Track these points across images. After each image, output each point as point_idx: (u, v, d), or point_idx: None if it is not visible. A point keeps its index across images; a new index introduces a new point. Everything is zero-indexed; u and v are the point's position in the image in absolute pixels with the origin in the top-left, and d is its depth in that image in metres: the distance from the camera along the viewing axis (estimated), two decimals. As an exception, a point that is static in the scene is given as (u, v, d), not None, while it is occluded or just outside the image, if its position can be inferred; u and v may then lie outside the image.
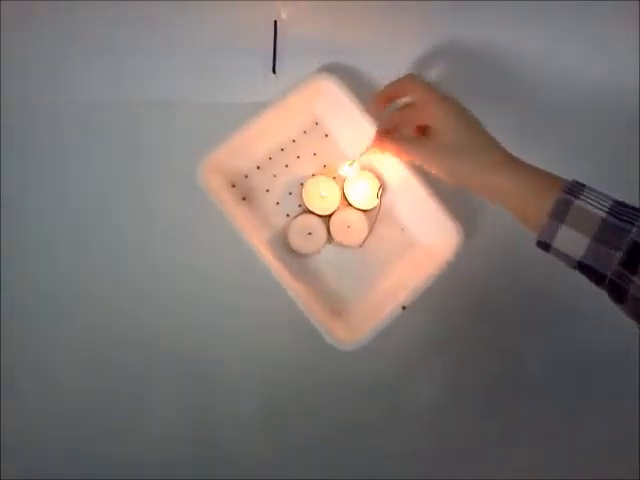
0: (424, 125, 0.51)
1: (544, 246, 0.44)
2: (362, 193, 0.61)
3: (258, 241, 0.55)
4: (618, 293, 0.41)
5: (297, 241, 0.59)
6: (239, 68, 0.63)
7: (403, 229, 0.62)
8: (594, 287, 0.43)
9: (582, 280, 0.43)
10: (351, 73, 0.63)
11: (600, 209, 0.40)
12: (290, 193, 0.61)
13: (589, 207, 0.41)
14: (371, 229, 0.60)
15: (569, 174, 0.44)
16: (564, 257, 0.43)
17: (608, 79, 0.67)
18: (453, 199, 0.57)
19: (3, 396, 0.55)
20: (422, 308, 0.56)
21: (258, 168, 0.61)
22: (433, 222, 0.59)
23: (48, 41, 0.61)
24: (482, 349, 0.62)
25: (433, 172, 0.49)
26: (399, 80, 0.52)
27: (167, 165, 0.60)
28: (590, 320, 0.61)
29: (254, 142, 0.59)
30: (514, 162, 0.46)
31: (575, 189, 0.42)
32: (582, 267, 0.42)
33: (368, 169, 0.62)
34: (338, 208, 0.60)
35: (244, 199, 0.60)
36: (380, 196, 0.60)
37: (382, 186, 0.60)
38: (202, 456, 0.57)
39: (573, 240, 0.41)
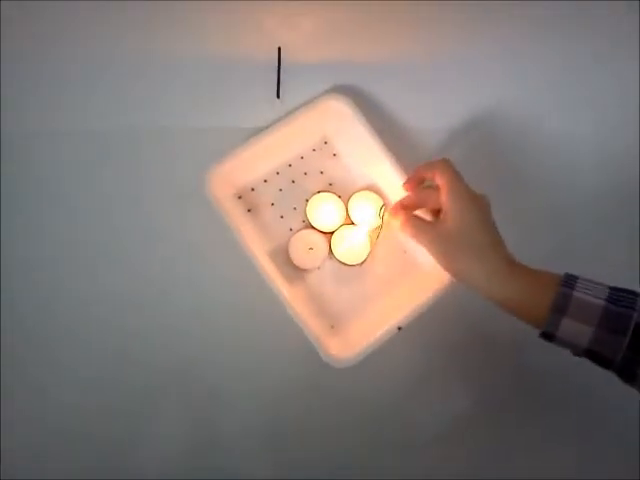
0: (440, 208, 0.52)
1: (548, 336, 0.44)
2: (366, 212, 0.61)
3: (259, 253, 0.56)
4: (627, 375, 0.42)
5: (298, 255, 0.59)
6: (243, 93, 0.64)
7: (405, 251, 0.63)
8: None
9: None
10: (360, 94, 0.65)
11: (598, 298, 0.42)
12: (295, 208, 0.62)
13: (588, 297, 0.42)
14: (373, 248, 0.61)
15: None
16: (569, 346, 0.44)
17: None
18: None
19: (3, 413, 0.56)
20: (419, 330, 0.56)
21: (265, 181, 0.62)
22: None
23: (48, 70, 0.62)
24: (480, 373, 0.62)
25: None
26: (432, 163, 0.52)
27: (173, 186, 0.61)
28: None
29: (262, 156, 0.60)
30: (510, 271, 0.47)
31: (570, 281, 0.43)
32: (589, 354, 0.43)
33: (373, 190, 0.62)
34: (341, 226, 0.61)
35: (249, 211, 0.61)
36: (383, 216, 0.60)
37: (386, 206, 0.61)
38: (204, 474, 0.57)
39: (577, 331, 0.42)
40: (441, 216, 0.51)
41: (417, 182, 0.55)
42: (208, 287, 0.60)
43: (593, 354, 0.43)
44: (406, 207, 0.54)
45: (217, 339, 0.59)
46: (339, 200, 0.62)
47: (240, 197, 0.61)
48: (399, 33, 0.67)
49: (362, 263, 0.61)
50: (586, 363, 0.44)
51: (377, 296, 0.61)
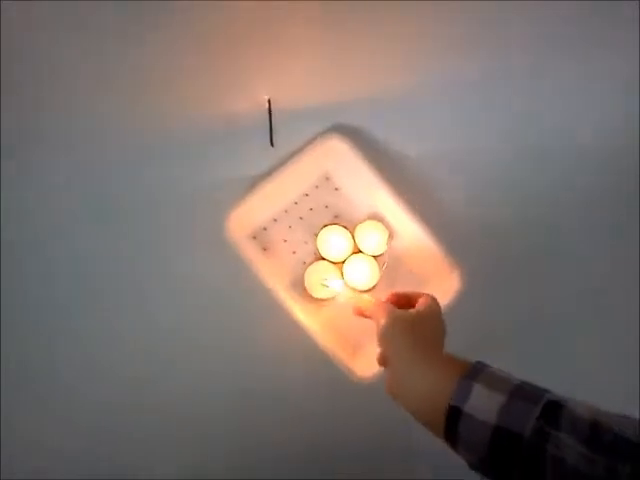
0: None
1: (454, 412, 0.38)
2: (372, 240, 0.66)
3: (280, 287, 0.60)
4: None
5: (314, 287, 0.63)
6: (240, 146, 0.68)
7: (411, 272, 0.67)
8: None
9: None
10: (356, 132, 0.70)
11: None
12: (306, 242, 0.66)
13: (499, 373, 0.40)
14: (382, 273, 0.65)
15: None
16: (476, 425, 0.37)
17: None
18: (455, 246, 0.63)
19: (3, 461, 0.59)
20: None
21: (275, 220, 0.67)
22: (435, 267, 0.64)
23: (59, 139, 0.67)
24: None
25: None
26: (422, 293, 0.52)
27: (187, 236, 0.66)
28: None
29: (270, 198, 0.65)
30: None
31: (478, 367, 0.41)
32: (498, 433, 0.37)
33: (377, 218, 0.67)
34: (351, 254, 0.65)
35: (265, 250, 0.65)
36: (389, 243, 0.65)
37: (391, 234, 0.66)
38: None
39: (487, 399, 0.38)
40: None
41: (397, 300, 0.54)
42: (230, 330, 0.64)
43: (501, 431, 0.36)
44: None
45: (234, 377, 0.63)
46: (346, 231, 0.66)
47: (255, 237, 0.66)
48: (386, 67, 0.72)
49: (373, 288, 0.65)
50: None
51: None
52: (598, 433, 0.33)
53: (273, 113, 0.68)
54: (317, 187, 0.69)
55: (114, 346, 0.63)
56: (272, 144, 0.68)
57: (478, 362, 0.41)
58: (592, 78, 0.72)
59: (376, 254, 0.66)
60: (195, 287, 0.64)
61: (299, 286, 0.64)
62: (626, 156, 0.73)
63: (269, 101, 0.67)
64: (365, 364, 0.60)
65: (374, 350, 0.62)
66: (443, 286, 0.63)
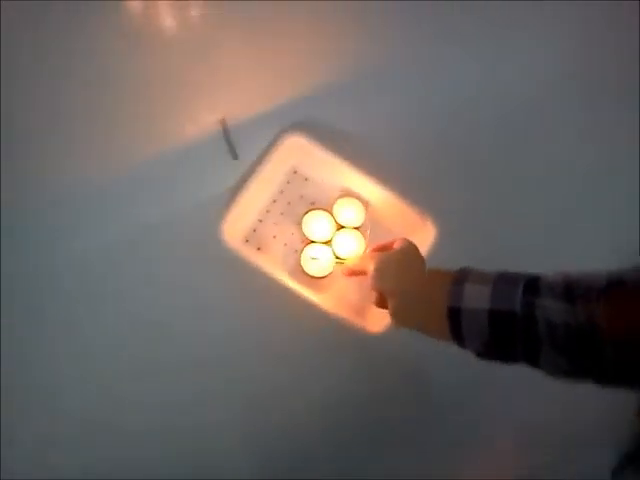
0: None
1: (454, 312, 0.45)
2: (350, 213, 0.73)
3: (281, 276, 0.67)
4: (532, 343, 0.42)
5: (311, 268, 0.71)
6: (207, 167, 0.74)
7: (390, 234, 0.75)
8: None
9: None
10: (310, 124, 0.77)
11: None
12: (292, 233, 0.74)
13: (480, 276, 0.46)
14: (367, 240, 0.73)
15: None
16: (474, 315, 0.44)
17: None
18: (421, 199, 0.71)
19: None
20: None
21: (260, 221, 0.74)
22: (409, 222, 0.72)
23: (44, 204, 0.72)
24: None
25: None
26: (395, 239, 0.59)
27: (183, 254, 0.71)
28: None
29: (250, 204, 0.72)
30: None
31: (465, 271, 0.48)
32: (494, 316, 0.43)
33: (350, 194, 0.75)
34: (335, 232, 0.73)
35: (259, 249, 0.72)
36: (365, 213, 0.72)
37: (367, 204, 0.73)
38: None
39: (478, 291, 0.45)
40: None
41: (383, 249, 0.61)
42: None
43: (496, 314, 0.43)
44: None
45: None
46: (325, 212, 0.74)
47: (247, 240, 0.72)
48: (320, 60, 0.80)
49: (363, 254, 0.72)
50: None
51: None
52: (572, 288, 0.40)
53: (229, 128, 0.74)
54: (289, 182, 0.76)
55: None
56: (236, 157, 0.74)
57: (462, 268, 0.48)
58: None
59: (357, 225, 0.73)
60: (213, 303, 0.71)
61: (298, 272, 0.71)
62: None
63: (223, 120, 0.74)
64: (374, 321, 0.68)
65: (376, 310, 0.71)
66: (421, 236, 0.71)
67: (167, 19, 0.78)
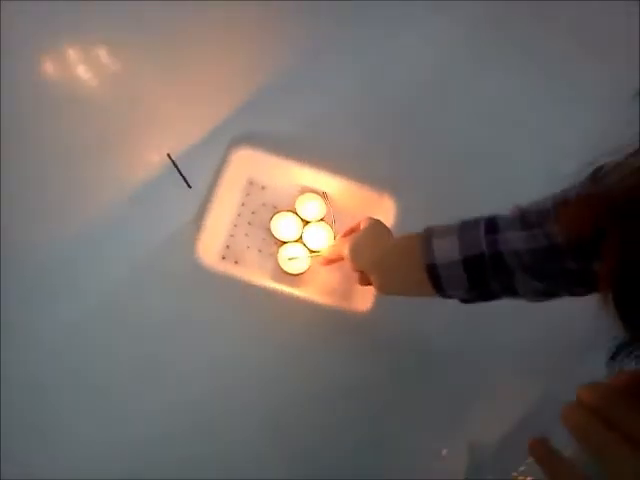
0: None
1: (431, 268, 0.49)
2: (312, 208, 0.78)
3: (264, 281, 0.71)
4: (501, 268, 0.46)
5: (289, 267, 0.74)
6: (164, 201, 0.76)
7: (354, 218, 0.79)
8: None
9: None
10: (251, 134, 0.80)
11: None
12: (263, 239, 0.77)
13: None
14: (334, 229, 0.77)
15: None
16: (450, 267, 0.48)
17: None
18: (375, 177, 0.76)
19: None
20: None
21: (232, 236, 0.77)
22: (368, 201, 0.77)
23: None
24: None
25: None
26: (360, 220, 0.65)
27: (167, 285, 0.73)
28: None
29: (217, 223, 0.75)
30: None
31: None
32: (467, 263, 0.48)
33: (308, 190, 0.79)
34: (303, 229, 0.77)
35: (236, 262, 0.75)
36: (326, 204, 0.76)
37: (325, 195, 0.77)
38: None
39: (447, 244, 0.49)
40: None
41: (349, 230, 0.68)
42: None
43: (469, 261, 0.47)
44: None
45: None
46: (289, 212, 0.77)
47: (224, 257, 0.75)
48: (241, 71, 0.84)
49: (334, 240, 0.77)
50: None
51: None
52: (526, 217, 0.46)
53: (176, 159, 0.76)
54: (248, 194, 0.80)
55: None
56: (189, 186, 0.77)
57: (426, 227, 0.53)
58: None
59: (321, 217, 0.78)
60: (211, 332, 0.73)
61: (279, 273, 0.75)
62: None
63: (169, 155, 0.76)
64: (361, 300, 0.72)
65: (359, 290, 0.75)
66: (383, 212, 0.75)
67: (84, 79, 0.80)
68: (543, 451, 0.28)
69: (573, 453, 0.35)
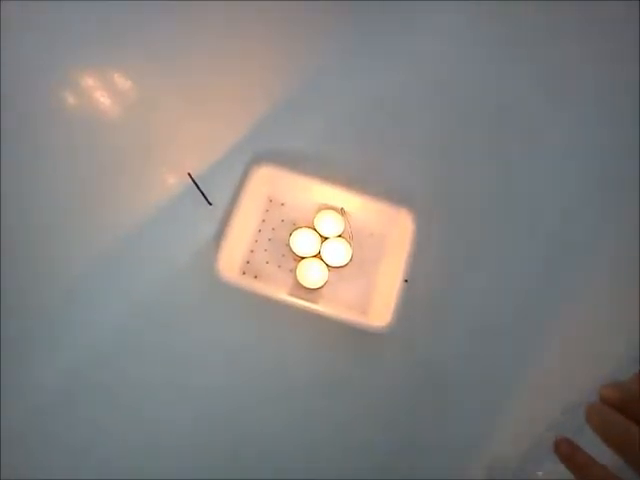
0: None
1: None
2: (331, 225, 0.79)
3: (284, 297, 0.72)
4: None
5: (308, 282, 0.76)
6: (187, 219, 0.79)
7: (372, 234, 0.81)
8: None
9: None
10: (270, 151, 0.82)
11: None
12: (283, 255, 0.79)
13: None
14: (352, 246, 0.78)
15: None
16: None
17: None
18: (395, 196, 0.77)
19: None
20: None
21: (252, 252, 0.79)
22: (385, 217, 0.78)
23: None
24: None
25: None
26: None
27: (190, 304, 0.76)
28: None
29: (238, 239, 0.77)
30: None
31: None
32: None
33: (325, 207, 0.80)
34: (321, 245, 0.78)
35: (256, 277, 0.77)
36: (345, 221, 0.78)
37: (343, 211, 0.79)
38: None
39: None
40: None
41: None
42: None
43: None
44: None
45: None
46: (307, 229, 0.79)
47: (244, 272, 0.77)
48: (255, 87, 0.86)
49: (350, 261, 0.78)
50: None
51: (375, 273, 0.79)
52: None
53: (197, 178, 0.79)
54: (267, 210, 0.81)
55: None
56: (210, 203, 0.79)
57: None
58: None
59: (340, 234, 0.79)
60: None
61: (298, 288, 0.76)
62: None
63: (189, 174, 0.78)
64: (377, 317, 0.73)
65: (377, 305, 0.76)
66: (401, 225, 0.76)
67: (104, 102, 0.84)
68: (569, 449, 0.29)
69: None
